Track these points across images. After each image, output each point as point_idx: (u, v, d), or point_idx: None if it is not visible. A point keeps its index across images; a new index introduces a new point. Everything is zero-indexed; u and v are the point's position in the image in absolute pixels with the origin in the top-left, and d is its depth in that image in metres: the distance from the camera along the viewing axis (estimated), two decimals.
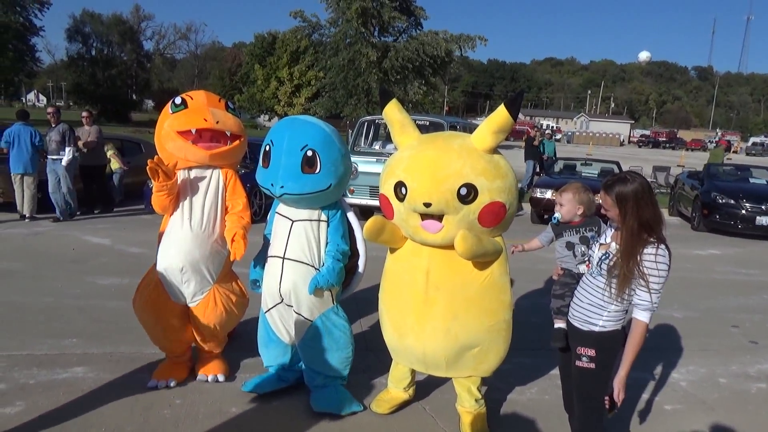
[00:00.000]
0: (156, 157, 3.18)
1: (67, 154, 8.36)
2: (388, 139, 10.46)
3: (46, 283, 5.50)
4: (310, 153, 2.98)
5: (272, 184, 3.03)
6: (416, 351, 3.05)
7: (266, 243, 3.39)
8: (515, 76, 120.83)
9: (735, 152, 52.35)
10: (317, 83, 36.55)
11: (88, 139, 8.94)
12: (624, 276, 2.31)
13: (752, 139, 59.78)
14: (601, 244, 2.53)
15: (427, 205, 2.71)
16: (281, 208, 3.25)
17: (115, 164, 9.90)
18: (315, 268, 3.17)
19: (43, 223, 8.25)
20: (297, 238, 3.16)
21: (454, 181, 2.69)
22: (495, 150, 2.86)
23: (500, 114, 2.76)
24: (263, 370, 3.66)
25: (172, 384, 3.51)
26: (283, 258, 3.17)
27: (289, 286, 3.16)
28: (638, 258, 2.30)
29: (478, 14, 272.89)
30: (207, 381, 3.60)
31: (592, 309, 2.49)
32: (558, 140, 43.47)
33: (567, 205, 2.88)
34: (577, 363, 2.56)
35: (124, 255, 6.75)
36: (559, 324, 2.78)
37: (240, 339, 4.16)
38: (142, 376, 3.63)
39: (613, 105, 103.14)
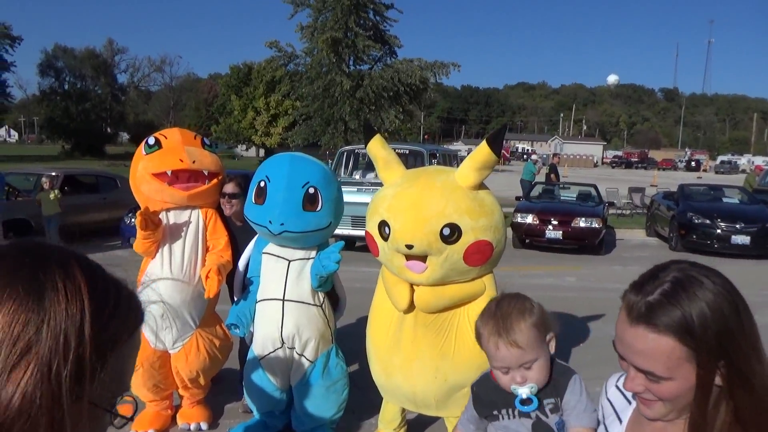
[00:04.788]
0: (144, 207, 3.11)
1: None
2: (368, 168, 10.47)
3: None
4: (312, 190, 2.94)
5: (270, 222, 2.94)
6: (405, 390, 2.99)
7: (248, 286, 3.30)
8: (489, 101, 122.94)
9: (705, 171, 53.70)
10: (294, 112, 36.70)
11: None
12: None
13: (720, 158, 61.47)
14: None
15: (410, 246, 2.68)
16: (272, 248, 3.15)
17: (50, 207, 8.66)
18: (318, 306, 3.11)
19: None
20: (297, 279, 3.08)
21: (437, 221, 2.66)
22: (480, 186, 2.85)
23: (482, 150, 2.76)
24: (247, 415, 3.55)
25: None
26: (283, 300, 3.08)
27: (292, 329, 3.07)
28: None
29: (450, 41, 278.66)
30: (189, 429, 3.48)
31: None
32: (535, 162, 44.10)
33: (528, 352, 1.42)
34: None
35: None
36: None
37: (222, 382, 4.04)
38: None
39: (585, 127, 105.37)
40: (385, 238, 2.79)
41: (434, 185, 2.77)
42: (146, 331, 3.25)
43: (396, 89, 27.32)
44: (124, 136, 66.71)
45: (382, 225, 2.79)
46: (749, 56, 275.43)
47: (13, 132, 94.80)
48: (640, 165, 59.98)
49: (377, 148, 3.02)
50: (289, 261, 3.11)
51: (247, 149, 51.76)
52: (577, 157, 61.94)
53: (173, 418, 3.56)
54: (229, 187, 3.54)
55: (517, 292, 1.56)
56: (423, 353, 2.88)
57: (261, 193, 3.02)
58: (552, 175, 14.76)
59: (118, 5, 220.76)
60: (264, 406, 3.33)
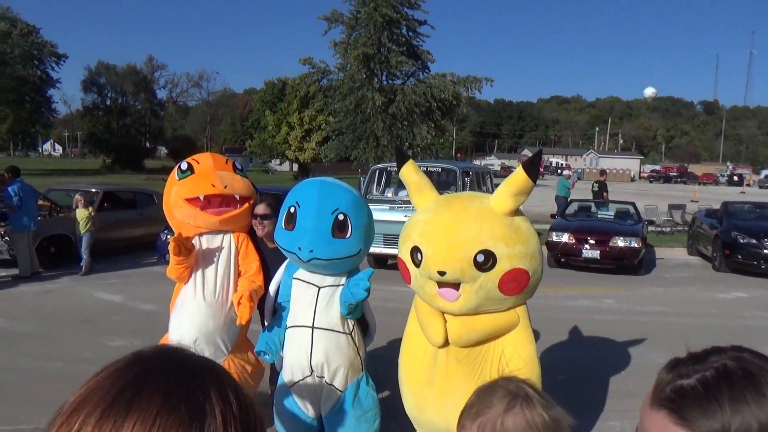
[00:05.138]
0: (177, 233, 3.11)
1: None
2: (400, 185, 10.44)
3: (56, 346, 5.39)
4: (341, 217, 2.89)
5: (299, 248, 2.90)
6: (438, 425, 2.89)
7: (279, 311, 3.27)
8: (522, 114, 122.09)
9: (748, 185, 51.95)
10: (327, 127, 37.16)
11: None
12: None
13: (764, 172, 59.37)
14: None
15: (442, 273, 2.60)
16: (302, 273, 3.11)
17: (83, 225, 8.53)
18: (348, 335, 3.05)
19: (56, 280, 8.20)
20: (327, 306, 3.02)
21: (470, 247, 2.57)
22: (516, 212, 2.76)
23: (518, 176, 2.67)
24: None
25: None
26: (313, 327, 3.02)
27: (321, 357, 3.00)
28: None
29: (483, 55, 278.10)
30: None
31: None
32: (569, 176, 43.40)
33: None
34: None
35: (135, 312, 6.65)
36: None
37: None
38: None
39: (621, 141, 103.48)
40: (417, 264, 2.71)
41: (468, 211, 2.69)
42: None
43: (428, 104, 27.38)
44: (162, 150, 68.47)
45: (414, 251, 2.72)
46: None
47: (57, 146, 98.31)
48: (679, 180, 58.47)
49: (410, 174, 2.96)
50: (319, 287, 3.06)
51: (280, 164, 52.48)
52: (614, 171, 60.71)
53: None
54: (261, 209, 3.53)
55: (523, 390, 1.15)
56: (456, 389, 2.78)
57: (291, 219, 2.98)
58: (604, 194, 14.14)
59: (158, 23, 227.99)
60: None
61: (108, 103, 53.10)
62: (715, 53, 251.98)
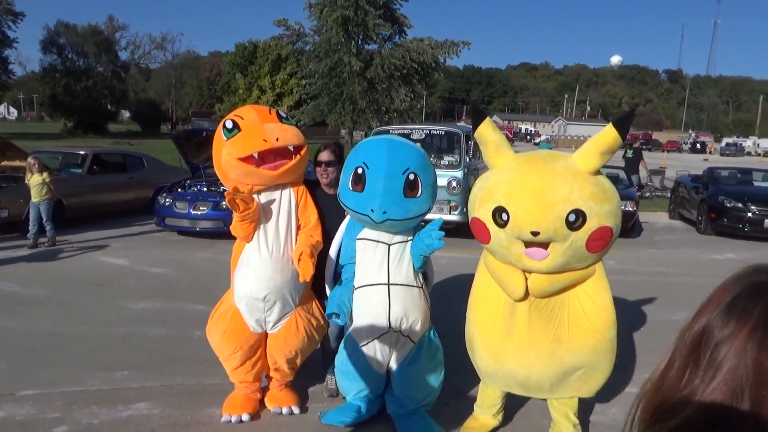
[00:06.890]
0: (232, 186, 3.03)
1: None
2: None
3: (76, 310, 5.27)
4: (412, 176, 2.89)
5: (372, 210, 2.89)
6: (518, 376, 2.97)
7: (345, 272, 3.25)
8: (491, 81, 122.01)
9: (710, 152, 53.59)
10: (300, 91, 36.49)
11: None
12: None
13: (725, 140, 61.18)
14: None
15: (535, 233, 2.63)
16: (368, 233, 3.10)
17: (40, 192, 7.53)
18: (420, 288, 3.11)
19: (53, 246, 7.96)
20: (399, 262, 3.05)
21: (563, 207, 2.60)
22: (598, 171, 2.79)
23: (608, 134, 2.70)
24: (333, 399, 3.56)
25: (246, 418, 3.36)
26: (388, 284, 3.04)
27: (399, 312, 3.03)
28: None
29: (453, 21, 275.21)
30: (281, 413, 3.46)
31: None
32: (537, 144, 44.12)
33: None
34: None
35: (147, 276, 6.53)
36: None
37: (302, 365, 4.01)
38: (211, 411, 3.47)
39: (588, 108, 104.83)
40: (502, 225, 2.73)
41: (556, 171, 2.71)
42: (246, 315, 3.23)
43: (408, 68, 27.05)
44: (125, 114, 66.09)
45: (498, 211, 2.73)
46: (756, 38, 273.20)
47: (12, 109, 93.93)
48: (645, 147, 59.57)
49: (488, 132, 2.94)
50: (389, 245, 3.07)
51: None
52: (583, 138, 61.64)
53: (260, 402, 3.54)
54: (325, 155, 3.49)
55: None
56: (538, 339, 2.86)
57: (359, 180, 2.95)
58: (641, 161, 13.88)
59: None
60: (361, 391, 3.30)
61: (68, 64, 50.68)
62: (681, 22, 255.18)
